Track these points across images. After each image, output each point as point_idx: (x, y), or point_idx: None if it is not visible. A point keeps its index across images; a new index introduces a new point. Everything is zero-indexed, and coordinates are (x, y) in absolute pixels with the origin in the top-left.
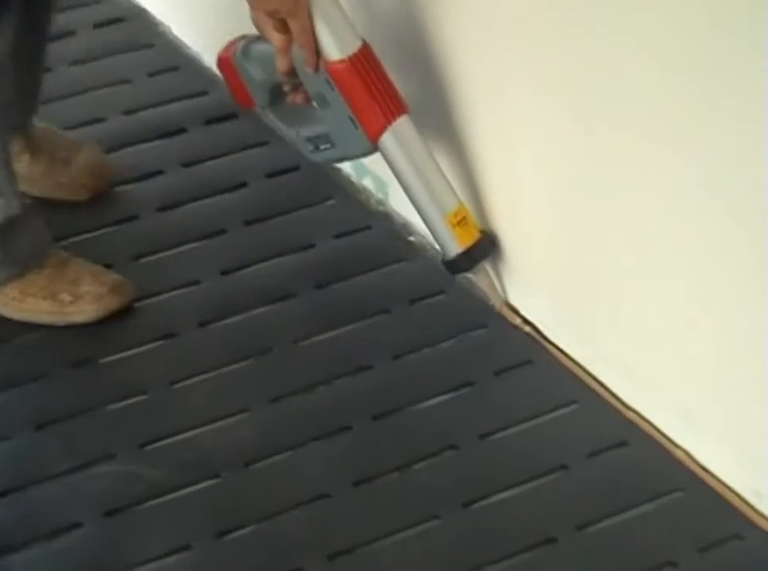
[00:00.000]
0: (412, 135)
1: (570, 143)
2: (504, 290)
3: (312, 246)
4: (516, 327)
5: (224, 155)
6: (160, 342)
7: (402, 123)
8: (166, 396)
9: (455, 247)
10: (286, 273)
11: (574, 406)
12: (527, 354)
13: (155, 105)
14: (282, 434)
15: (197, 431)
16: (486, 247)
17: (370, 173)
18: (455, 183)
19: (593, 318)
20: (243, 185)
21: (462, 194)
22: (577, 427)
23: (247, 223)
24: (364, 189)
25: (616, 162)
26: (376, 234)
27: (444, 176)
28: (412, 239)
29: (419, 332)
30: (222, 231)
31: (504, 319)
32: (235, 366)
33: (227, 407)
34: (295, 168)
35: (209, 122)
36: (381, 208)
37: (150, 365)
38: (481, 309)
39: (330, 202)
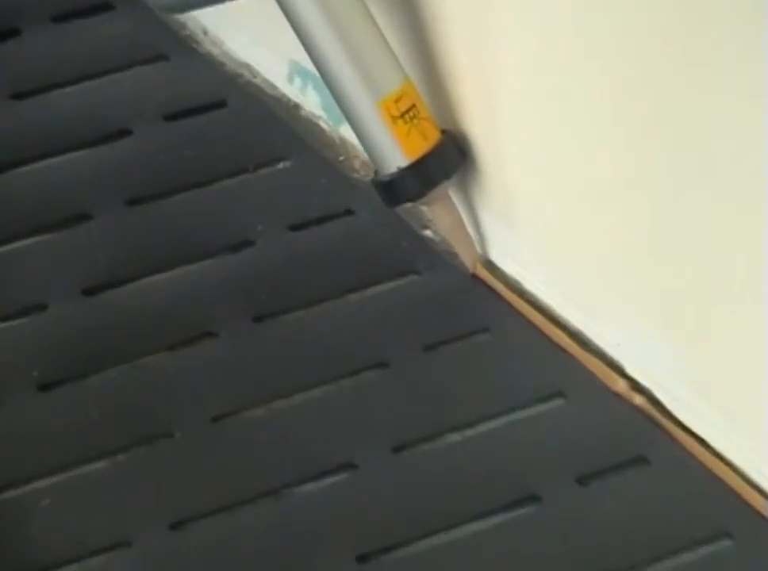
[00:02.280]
0: None
1: None
2: (483, 241)
3: (250, 244)
4: (619, 395)
5: (87, 77)
6: None
7: None
8: None
9: (395, 156)
10: (200, 293)
11: (725, 542)
12: (637, 445)
13: None
14: None
15: None
16: (451, 158)
17: None
18: (401, 53)
19: (723, 364)
20: (124, 133)
21: (412, 73)
22: None
23: (131, 202)
24: (343, 143)
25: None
26: (364, 224)
27: (380, 34)
28: (428, 233)
29: (440, 404)
30: (84, 218)
31: (594, 380)
32: (105, 463)
33: (93, 533)
34: (219, 103)
35: (58, 19)
36: (372, 177)
37: None
38: (558, 362)
39: (282, 166)
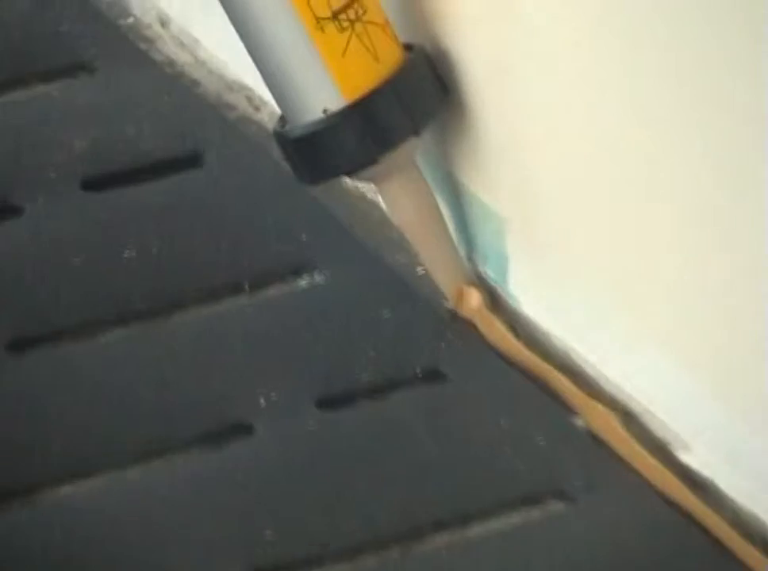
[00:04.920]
0: None
1: None
2: (474, 251)
3: (243, 431)
4: None
5: None
6: None
7: None
8: None
9: (321, 91)
10: (149, 518)
11: None
12: None
13: None
14: None
15: None
16: (422, 97)
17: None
18: None
19: None
20: (9, 212)
21: None
22: None
23: (14, 344)
24: None
25: None
26: (456, 396)
27: None
28: (581, 422)
29: None
30: None
31: None
32: None
33: None
34: (188, 159)
35: None
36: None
37: None
38: None
39: (305, 282)
